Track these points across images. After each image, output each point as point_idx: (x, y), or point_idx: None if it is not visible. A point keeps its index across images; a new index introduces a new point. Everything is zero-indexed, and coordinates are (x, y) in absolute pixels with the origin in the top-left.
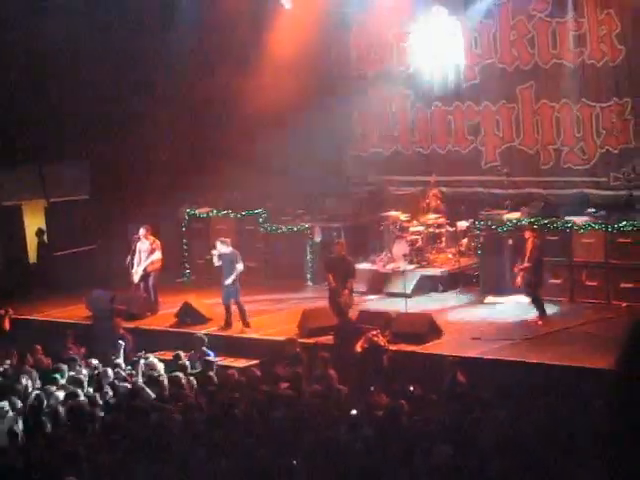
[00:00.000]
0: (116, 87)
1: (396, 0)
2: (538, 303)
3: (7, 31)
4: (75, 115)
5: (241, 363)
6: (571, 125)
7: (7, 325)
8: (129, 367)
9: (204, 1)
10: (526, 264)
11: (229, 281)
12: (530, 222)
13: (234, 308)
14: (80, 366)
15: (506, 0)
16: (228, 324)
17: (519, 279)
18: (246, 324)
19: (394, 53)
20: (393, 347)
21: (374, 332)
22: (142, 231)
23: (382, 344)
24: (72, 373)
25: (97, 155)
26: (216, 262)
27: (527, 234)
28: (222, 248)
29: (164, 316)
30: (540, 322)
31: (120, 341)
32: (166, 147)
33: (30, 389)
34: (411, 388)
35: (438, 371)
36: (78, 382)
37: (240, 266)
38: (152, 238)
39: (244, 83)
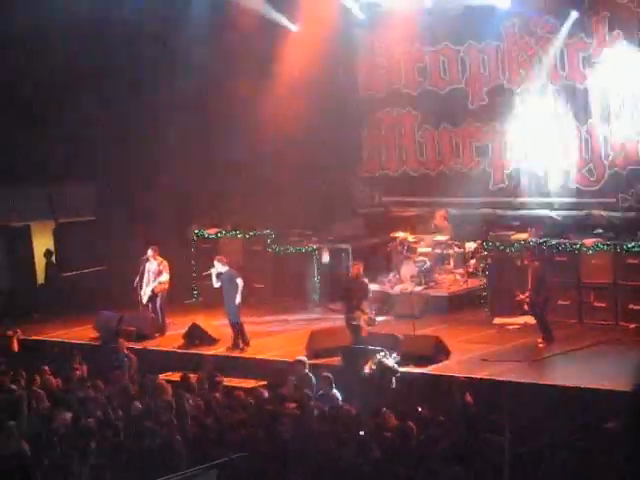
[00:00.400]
0: (124, 107)
1: (404, 22)
2: (544, 325)
3: (11, 51)
4: (82, 136)
5: (249, 384)
6: (579, 146)
7: (15, 346)
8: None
9: (212, 26)
10: (527, 293)
11: (238, 300)
12: (539, 243)
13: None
14: (88, 387)
15: (514, 22)
16: (236, 345)
17: (525, 305)
18: (238, 344)
19: (402, 74)
20: (401, 369)
21: (382, 354)
22: (150, 252)
23: (390, 366)
24: (80, 394)
25: (104, 176)
26: (215, 283)
27: (526, 260)
28: (219, 267)
29: (172, 337)
30: (541, 344)
31: (124, 361)
32: (174, 167)
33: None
34: (419, 409)
35: (446, 392)
36: (85, 403)
37: (240, 281)
38: (160, 259)
39: (253, 104)
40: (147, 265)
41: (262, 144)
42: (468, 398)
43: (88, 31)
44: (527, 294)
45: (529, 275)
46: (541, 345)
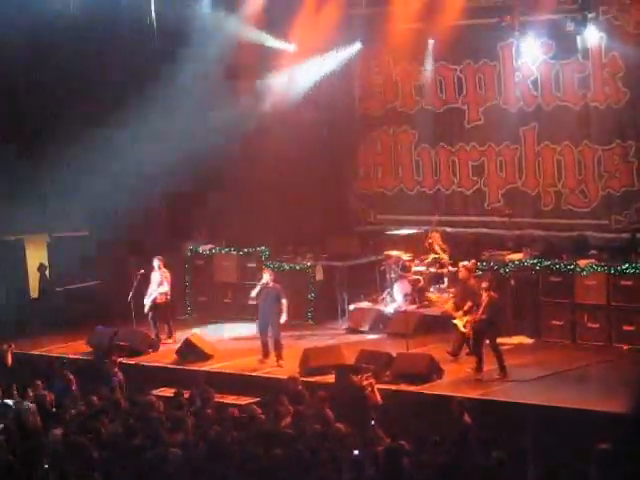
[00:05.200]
0: (119, 121)
1: (401, 40)
2: (479, 353)
3: (9, 59)
4: (78, 150)
5: (242, 401)
6: (573, 167)
7: (9, 360)
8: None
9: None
10: (480, 316)
11: (284, 319)
12: (533, 263)
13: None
14: (79, 403)
15: (510, 42)
16: (265, 355)
17: (468, 330)
18: (280, 357)
19: (399, 93)
20: (394, 387)
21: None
22: (156, 262)
23: (363, 385)
24: (73, 411)
25: (98, 194)
26: (254, 293)
27: (484, 284)
28: (267, 279)
29: (165, 352)
30: (498, 376)
31: (113, 378)
32: (168, 183)
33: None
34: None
35: (440, 412)
36: (78, 419)
37: (285, 302)
38: (164, 270)
39: (249, 118)
40: (152, 275)
41: (257, 160)
42: (466, 418)
43: (84, 42)
44: (476, 317)
45: (482, 302)
46: (469, 370)
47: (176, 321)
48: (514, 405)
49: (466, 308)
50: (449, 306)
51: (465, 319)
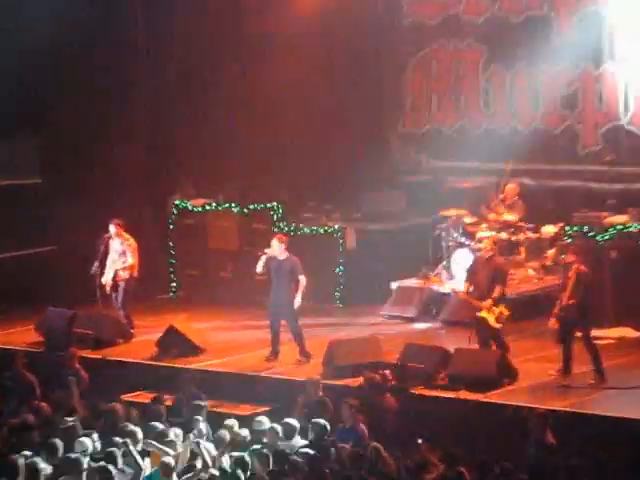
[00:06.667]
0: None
1: None
2: (568, 351)
3: None
4: (24, 80)
5: (245, 410)
6: None
7: None
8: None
9: None
10: (569, 302)
11: (298, 302)
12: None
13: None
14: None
15: None
16: (275, 353)
17: (553, 320)
18: (304, 354)
19: None
20: (450, 394)
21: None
22: (112, 228)
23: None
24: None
25: (52, 127)
26: (259, 268)
27: (570, 257)
28: (276, 249)
29: (142, 344)
30: (593, 380)
31: (71, 378)
32: (148, 121)
33: None
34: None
35: (512, 428)
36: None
37: (303, 279)
38: (126, 236)
39: (264, 35)
40: (111, 243)
41: (272, 88)
42: (549, 438)
43: None
44: (564, 304)
45: (570, 279)
46: (553, 373)
47: (155, 301)
48: (613, 420)
49: (495, 295)
50: (464, 292)
51: (497, 310)
